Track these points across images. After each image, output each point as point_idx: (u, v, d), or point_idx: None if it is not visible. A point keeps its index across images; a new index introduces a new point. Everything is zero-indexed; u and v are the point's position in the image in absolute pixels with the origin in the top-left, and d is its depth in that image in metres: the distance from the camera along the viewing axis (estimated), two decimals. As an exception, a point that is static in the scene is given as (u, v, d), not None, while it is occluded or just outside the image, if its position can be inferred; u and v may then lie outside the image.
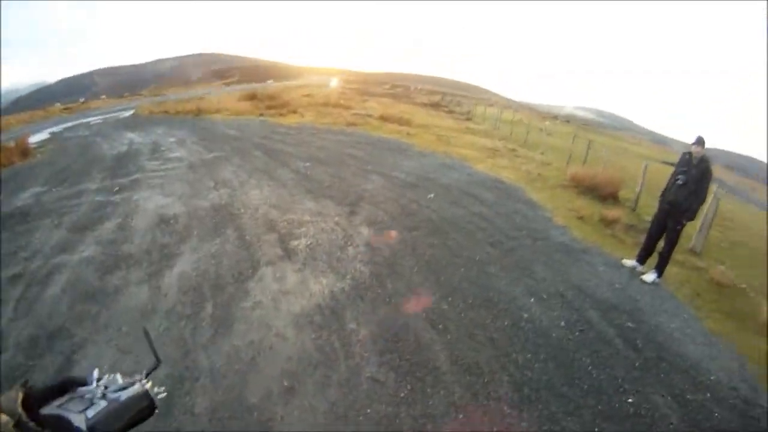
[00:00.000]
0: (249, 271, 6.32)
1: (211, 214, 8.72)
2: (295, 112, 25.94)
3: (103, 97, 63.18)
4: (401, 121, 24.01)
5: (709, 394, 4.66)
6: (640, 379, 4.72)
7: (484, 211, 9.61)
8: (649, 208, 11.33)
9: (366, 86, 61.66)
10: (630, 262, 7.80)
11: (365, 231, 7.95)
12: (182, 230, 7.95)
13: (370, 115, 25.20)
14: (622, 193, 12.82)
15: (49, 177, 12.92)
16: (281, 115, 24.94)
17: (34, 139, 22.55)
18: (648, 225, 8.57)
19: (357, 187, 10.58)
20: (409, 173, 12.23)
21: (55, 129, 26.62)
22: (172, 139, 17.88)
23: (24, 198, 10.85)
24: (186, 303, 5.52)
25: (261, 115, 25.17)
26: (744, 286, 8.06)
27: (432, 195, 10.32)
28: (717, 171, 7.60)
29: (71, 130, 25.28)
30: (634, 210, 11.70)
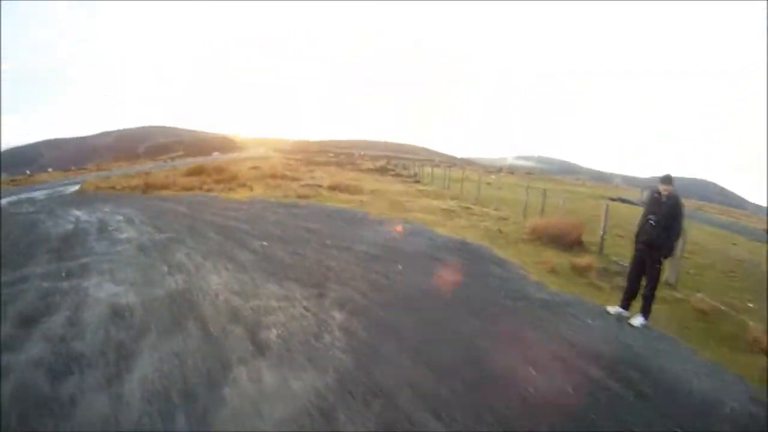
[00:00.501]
0: (220, 373, 5.73)
1: (168, 303, 8.01)
2: (244, 185, 25.65)
3: (50, 170, 61.55)
4: (351, 189, 24.11)
5: (728, 427, 4.78)
6: (660, 427, 4.67)
7: (454, 279, 9.40)
8: (615, 248, 11.49)
9: (310, 155, 62.28)
10: (614, 308, 7.84)
11: (338, 314, 7.44)
12: (139, 324, 7.22)
13: (319, 185, 25.23)
14: (585, 237, 13.14)
15: (-9, 258, 11.96)
16: (231, 189, 24.57)
17: (-25, 213, 21.45)
18: (618, 265, 8.59)
19: (320, 265, 10.13)
20: (370, 244, 11.97)
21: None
22: (120, 218, 16.94)
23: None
24: (153, 414, 4.89)
25: (210, 190, 24.63)
26: (724, 308, 8.42)
27: (400, 267, 10.01)
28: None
29: (16, 205, 24.09)
30: (600, 252, 11.97)
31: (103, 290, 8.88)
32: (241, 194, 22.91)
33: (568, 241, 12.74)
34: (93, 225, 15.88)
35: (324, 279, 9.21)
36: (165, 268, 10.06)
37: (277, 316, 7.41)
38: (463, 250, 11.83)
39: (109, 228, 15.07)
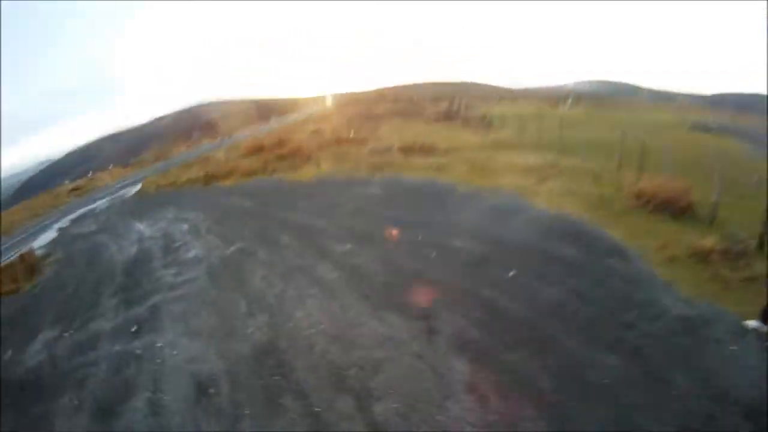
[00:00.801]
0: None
1: (257, 367, 6.81)
2: (309, 159, 23.88)
3: (111, 166, 62.33)
4: (424, 150, 21.95)
5: None
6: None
7: (578, 286, 7.75)
8: (724, 210, 10.33)
9: (369, 107, 59.61)
10: (753, 323, 6.68)
11: (458, 364, 6.06)
12: (228, 406, 6.08)
13: (389, 150, 23.12)
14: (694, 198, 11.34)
15: (59, 310, 11.38)
16: (295, 167, 22.89)
17: (41, 241, 21.53)
18: (739, 242, 8.54)
19: (419, 280, 8.64)
20: (468, 237, 10.30)
21: (62, 223, 25.25)
22: (184, 227, 15.87)
23: (35, 352, 9.40)
24: None
25: (274, 171, 23.20)
26: None
27: (513, 272, 8.42)
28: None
29: (78, 223, 23.73)
30: (711, 224, 10.22)
31: (180, 351, 7.82)
32: (308, 173, 21.24)
33: (678, 208, 11.05)
34: (157, 242, 14.97)
35: (428, 301, 7.77)
36: (243, 306, 8.85)
37: (387, 374, 6.13)
38: (571, 233, 10.02)
39: (175, 244, 14.09)
